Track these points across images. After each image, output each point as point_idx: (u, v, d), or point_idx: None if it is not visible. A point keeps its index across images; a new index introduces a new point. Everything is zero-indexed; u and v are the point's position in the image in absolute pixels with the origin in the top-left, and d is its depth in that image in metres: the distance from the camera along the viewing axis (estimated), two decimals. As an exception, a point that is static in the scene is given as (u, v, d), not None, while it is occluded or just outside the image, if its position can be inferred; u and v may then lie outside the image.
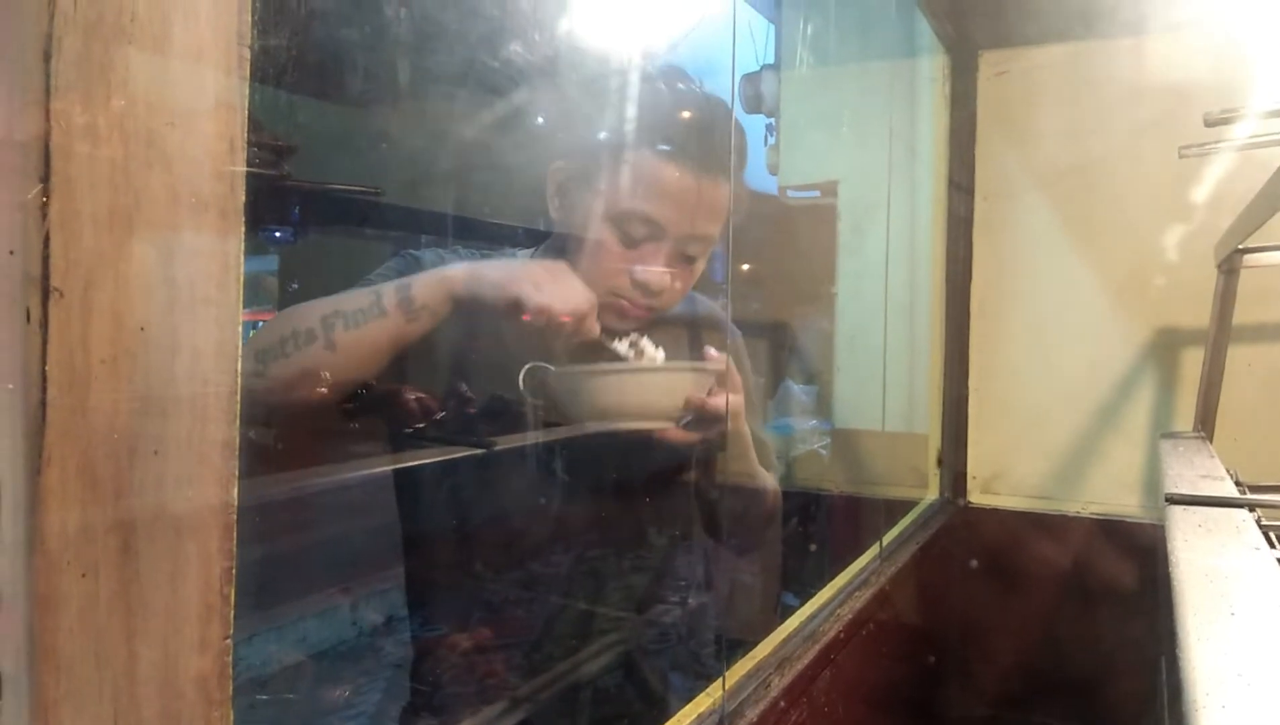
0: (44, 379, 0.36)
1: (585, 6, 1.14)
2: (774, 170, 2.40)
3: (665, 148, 1.03)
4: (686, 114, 1.10)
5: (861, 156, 2.31)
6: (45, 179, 0.35)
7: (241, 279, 0.45)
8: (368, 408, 0.95)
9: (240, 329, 0.45)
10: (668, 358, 1.10)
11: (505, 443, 1.06)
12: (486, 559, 1.15)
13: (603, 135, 1.09)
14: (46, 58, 0.36)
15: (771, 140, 2.44)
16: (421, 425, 1.02)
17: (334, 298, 0.91)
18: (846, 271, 2.29)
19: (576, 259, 1.03)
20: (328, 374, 0.87)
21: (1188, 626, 0.51)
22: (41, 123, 0.35)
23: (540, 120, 1.16)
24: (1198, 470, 1.10)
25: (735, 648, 1.18)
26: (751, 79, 2.46)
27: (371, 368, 0.91)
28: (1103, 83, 2.04)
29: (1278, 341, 1.87)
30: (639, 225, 1.02)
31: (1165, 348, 2.01)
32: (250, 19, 0.44)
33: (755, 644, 1.18)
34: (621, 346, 1.05)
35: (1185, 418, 1.88)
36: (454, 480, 1.11)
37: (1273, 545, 0.90)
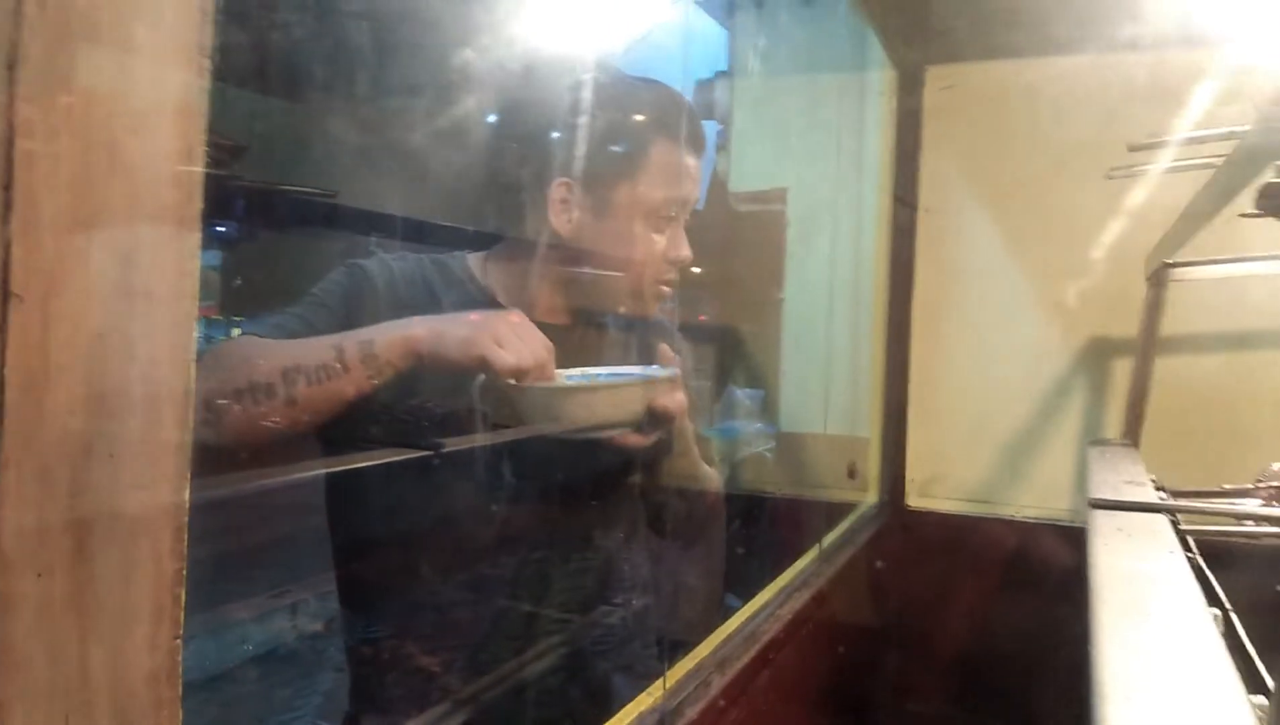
0: (2, 383, 0.36)
1: (536, 18, 1.15)
2: (724, 177, 2.43)
3: (678, 134, 1.12)
4: (671, 104, 1.17)
5: (810, 166, 2.35)
6: (7, 186, 0.36)
7: (196, 284, 0.46)
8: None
9: (194, 334, 0.46)
10: (618, 362, 1.14)
11: (455, 445, 1.07)
12: (432, 562, 1.15)
13: (604, 142, 1.12)
14: (10, 65, 0.36)
15: (722, 147, 2.47)
16: (371, 427, 1.03)
17: (290, 347, 0.91)
18: (794, 278, 2.33)
19: (613, 263, 1.11)
20: (285, 425, 0.88)
21: (1101, 625, 0.54)
22: (5, 130, 0.36)
23: (514, 128, 1.18)
24: (1122, 476, 1.15)
25: (678, 648, 1.20)
26: (704, 86, 2.49)
27: (331, 417, 0.91)
28: (1043, 99, 2.11)
29: (1203, 352, 1.95)
30: (672, 207, 1.12)
31: (1097, 358, 2.09)
32: (210, 29, 0.45)
33: (697, 644, 1.20)
34: (574, 375, 1.08)
35: (1115, 425, 1.95)
36: (402, 483, 1.11)
37: (1188, 549, 0.95)
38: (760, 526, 2.07)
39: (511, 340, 0.94)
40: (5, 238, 0.37)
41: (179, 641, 0.46)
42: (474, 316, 0.98)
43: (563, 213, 1.10)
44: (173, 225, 0.44)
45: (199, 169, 0.45)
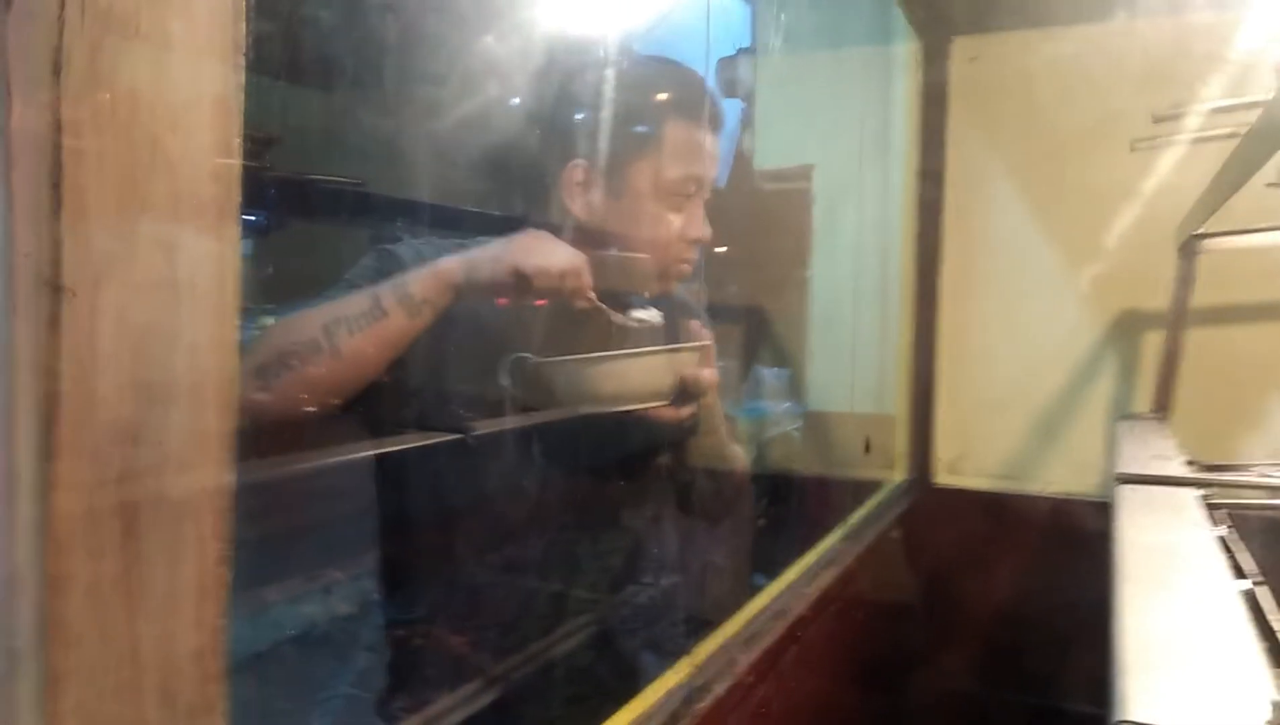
0: (56, 373, 0.38)
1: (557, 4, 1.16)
2: (749, 155, 2.43)
3: (693, 112, 1.13)
4: (690, 84, 1.18)
5: (835, 142, 2.33)
6: (57, 184, 0.38)
7: (238, 275, 0.48)
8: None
9: (236, 323, 0.48)
10: (642, 343, 1.14)
11: (486, 428, 1.09)
12: (466, 544, 1.17)
13: (617, 122, 1.13)
14: (56, 70, 0.38)
15: (747, 124, 2.46)
16: (402, 412, 1.04)
17: (329, 305, 0.92)
18: (820, 255, 2.33)
19: (632, 244, 1.11)
20: (336, 381, 0.89)
21: (1124, 598, 0.54)
22: (54, 133, 0.37)
23: (531, 113, 1.18)
24: (1151, 451, 1.15)
25: (706, 626, 1.21)
26: (727, 63, 2.48)
27: (378, 369, 0.93)
28: (1071, 69, 2.08)
29: (1235, 324, 1.93)
30: (690, 186, 1.12)
31: (1127, 331, 2.07)
32: (244, 25, 0.46)
33: (724, 622, 1.21)
34: (636, 316, 1.10)
35: (1145, 399, 1.94)
36: (434, 466, 1.13)
37: (1218, 522, 0.95)
38: (787, 505, 2.07)
39: (540, 249, 0.96)
40: (56, 234, 0.38)
41: (223, 620, 0.48)
42: (495, 241, 1.00)
43: (580, 195, 1.11)
44: (213, 218, 0.46)
45: (237, 162, 0.47)
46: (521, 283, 0.95)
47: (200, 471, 0.46)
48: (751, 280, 2.39)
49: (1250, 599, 0.72)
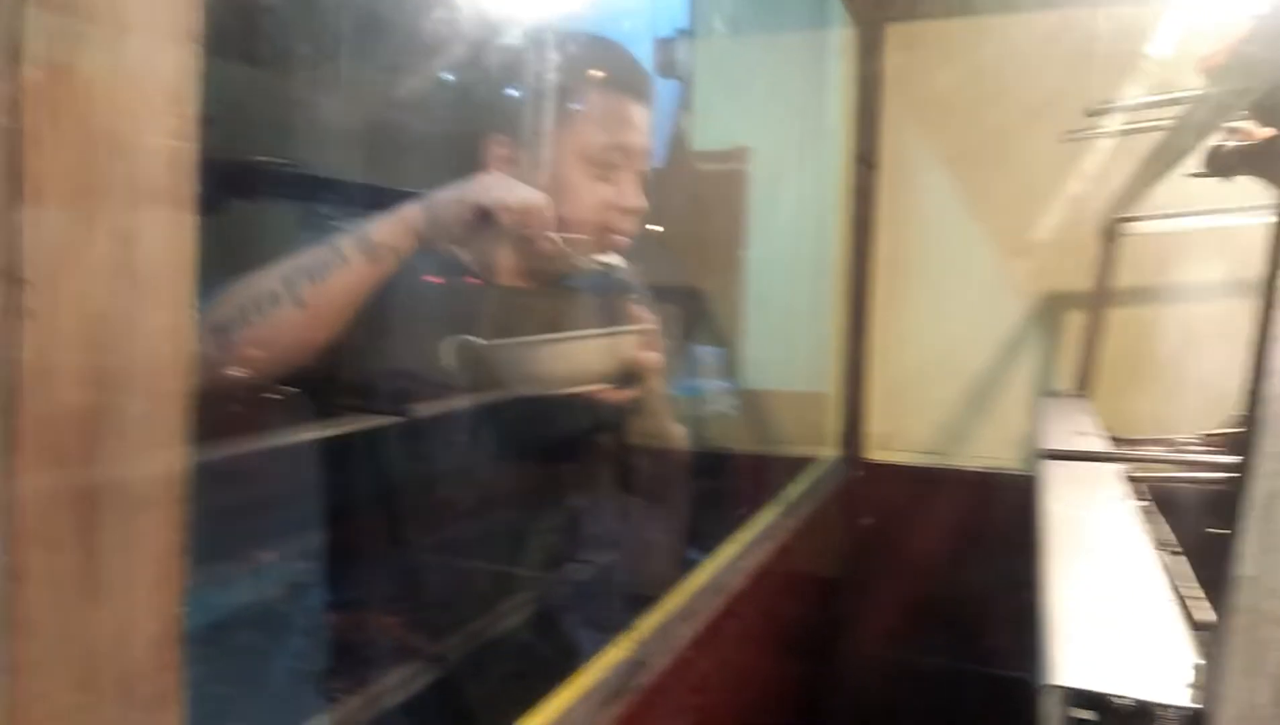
0: (19, 364, 0.38)
1: None
2: (687, 136, 2.44)
3: (616, 81, 1.13)
4: (613, 55, 1.18)
5: (772, 125, 2.36)
6: (17, 175, 0.37)
7: (193, 262, 0.48)
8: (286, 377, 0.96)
9: (192, 312, 0.47)
10: (585, 324, 1.15)
11: (426, 409, 1.08)
12: (403, 525, 1.17)
13: (540, 94, 1.12)
14: (15, 57, 0.37)
15: (685, 106, 2.47)
16: (339, 394, 1.04)
17: (289, 259, 0.90)
18: (756, 236, 2.36)
19: (562, 216, 1.07)
20: (299, 333, 0.87)
21: (1049, 568, 0.58)
22: (12, 120, 0.37)
23: (454, 84, 1.17)
24: (1073, 427, 1.20)
25: (647, 602, 1.23)
26: (665, 44, 2.48)
27: (342, 319, 0.91)
28: (1003, 56, 2.14)
29: (1152, 304, 2.01)
30: (615, 155, 1.11)
31: (1053, 312, 2.14)
32: (200, 13, 0.46)
33: (665, 599, 1.23)
34: (600, 259, 1.10)
35: (1070, 377, 2.01)
36: (372, 448, 1.13)
37: (1141, 496, 1.00)
38: (724, 481, 2.11)
39: (502, 186, 0.97)
40: (16, 224, 0.38)
41: (180, 609, 0.48)
42: (458, 184, 0.99)
43: (504, 171, 1.10)
44: (169, 205, 0.45)
45: (193, 151, 0.47)
46: (484, 220, 0.94)
47: (158, 460, 0.46)
48: (687, 258, 2.40)
49: (1167, 568, 0.77)
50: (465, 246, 1.12)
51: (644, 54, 1.73)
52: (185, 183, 0.46)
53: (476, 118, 1.13)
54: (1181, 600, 0.56)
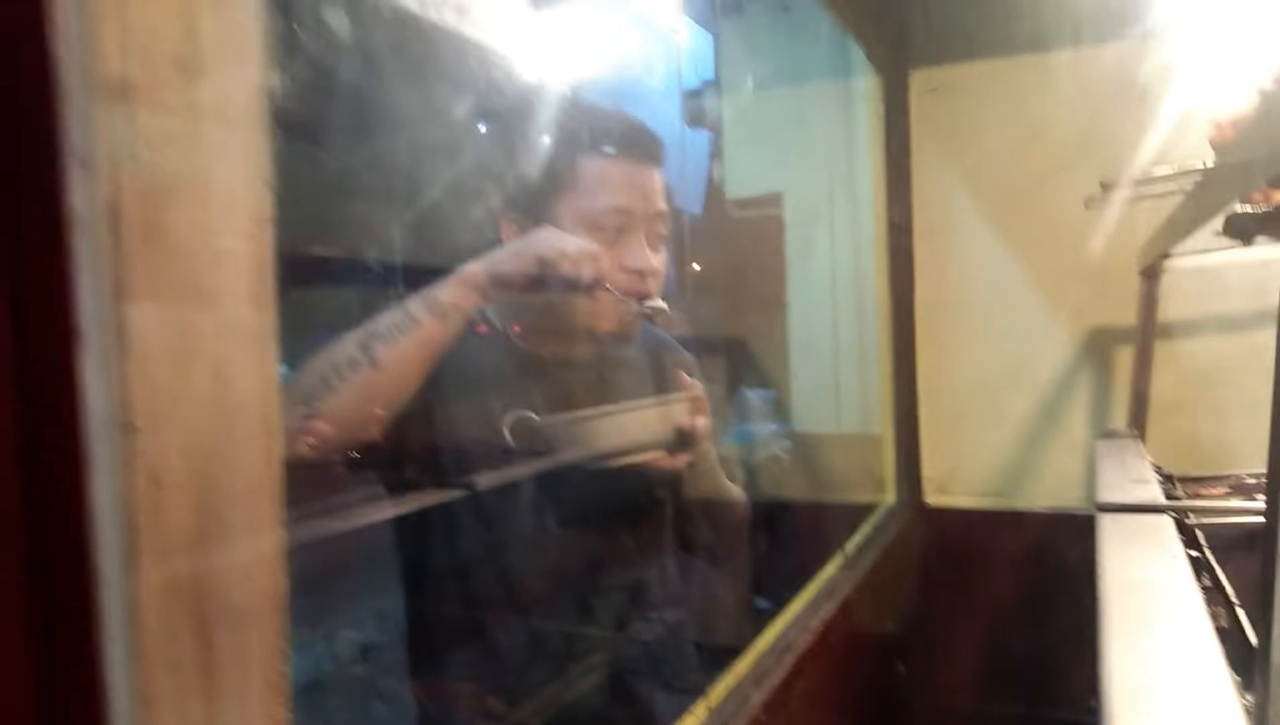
0: (134, 507, 0.41)
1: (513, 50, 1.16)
2: (719, 185, 2.48)
3: (607, 147, 1.14)
4: (608, 120, 1.20)
5: (804, 171, 2.39)
6: (121, 330, 0.41)
7: (277, 390, 0.51)
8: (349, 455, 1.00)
9: (280, 436, 0.51)
10: (633, 393, 1.19)
11: (488, 482, 1.12)
12: (471, 594, 1.20)
13: (543, 167, 1.14)
14: (114, 224, 0.42)
15: (715, 155, 2.52)
16: (404, 469, 1.07)
17: (360, 328, 0.95)
18: (796, 280, 2.38)
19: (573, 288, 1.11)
20: (377, 394, 0.92)
21: (1109, 640, 0.59)
22: (115, 280, 0.41)
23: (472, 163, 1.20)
24: (1129, 473, 1.20)
25: (717, 665, 1.24)
26: (693, 95, 2.53)
27: (416, 379, 0.95)
28: (1029, 97, 2.15)
29: (1201, 337, 1.99)
30: (613, 217, 1.11)
31: (1100, 347, 2.13)
32: (272, 172, 0.50)
33: (735, 661, 1.24)
34: (650, 305, 1.13)
35: (1122, 411, 1.99)
36: (439, 521, 1.16)
37: (1195, 544, 1.00)
38: (784, 535, 2.11)
39: (558, 238, 1.01)
40: (124, 375, 0.42)
41: (285, 710, 0.52)
42: (516, 242, 1.04)
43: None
44: (255, 341, 0.49)
45: (272, 287, 0.51)
46: (545, 271, 0.98)
47: (260, 576, 0.49)
48: (728, 304, 2.43)
49: (1230, 617, 0.77)
50: (524, 304, 1.16)
51: (671, 107, 1.77)
52: (268, 318, 0.50)
53: (488, 198, 1.17)
54: (1241, 655, 0.56)
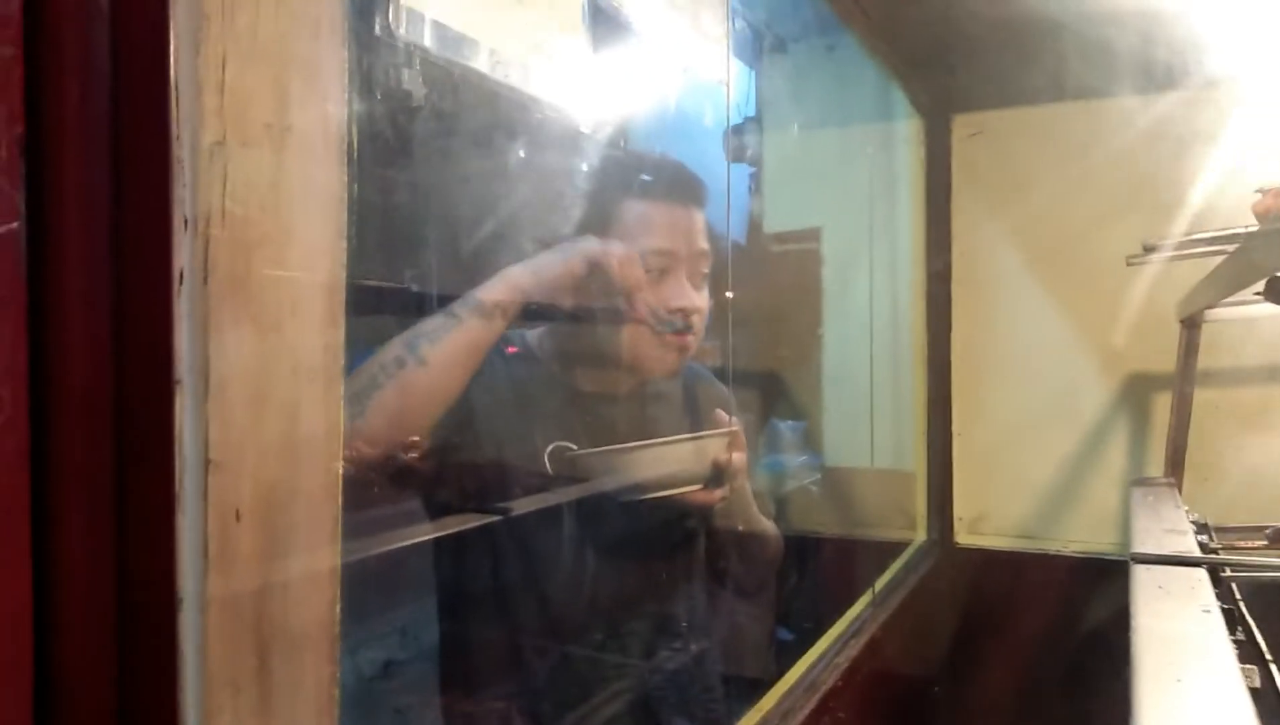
0: (205, 537, 0.45)
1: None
2: (758, 218, 2.50)
3: (652, 191, 1.19)
4: (655, 167, 1.26)
5: (843, 207, 2.41)
6: (206, 374, 0.45)
7: (341, 428, 0.55)
8: (386, 475, 1.02)
9: (340, 475, 0.54)
10: (671, 427, 1.21)
11: (523, 508, 1.14)
12: (497, 616, 1.22)
13: (592, 211, 1.18)
14: (205, 278, 0.45)
15: (754, 189, 2.55)
16: (439, 493, 1.10)
17: (407, 331, 0.98)
18: (832, 315, 2.39)
19: (618, 325, 1.16)
20: (424, 391, 0.95)
21: (1140, 695, 0.60)
22: (202, 330, 0.44)
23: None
24: (1163, 523, 1.20)
25: (746, 698, 1.25)
26: (734, 130, 2.56)
27: (462, 377, 0.98)
28: (1070, 142, 2.16)
29: (1240, 387, 1.98)
30: (659, 260, 1.15)
31: (1137, 392, 2.12)
32: (347, 217, 0.54)
33: (760, 697, 1.25)
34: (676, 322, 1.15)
35: (1158, 458, 1.98)
36: (471, 545, 1.19)
37: (1231, 597, 1.00)
38: (814, 571, 2.11)
39: (599, 245, 1.03)
40: (205, 416, 0.45)
41: (334, 729, 0.54)
42: (549, 251, 1.06)
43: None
44: (323, 383, 0.52)
45: (342, 333, 0.54)
46: (588, 273, 1.01)
47: (316, 605, 0.52)
48: (764, 336, 2.45)
49: (1264, 675, 0.78)
50: (568, 337, 1.20)
51: (714, 143, 1.80)
52: (337, 362, 0.53)
53: (541, 240, 1.21)
54: (1274, 713, 0.57)
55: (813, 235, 2.43)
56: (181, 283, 0.42)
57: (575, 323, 1.21)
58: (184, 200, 0.42)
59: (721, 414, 1.19)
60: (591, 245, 1.04)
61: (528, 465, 1.13)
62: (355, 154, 0.54)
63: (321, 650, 0.53)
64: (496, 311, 0.99)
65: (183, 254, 0.42)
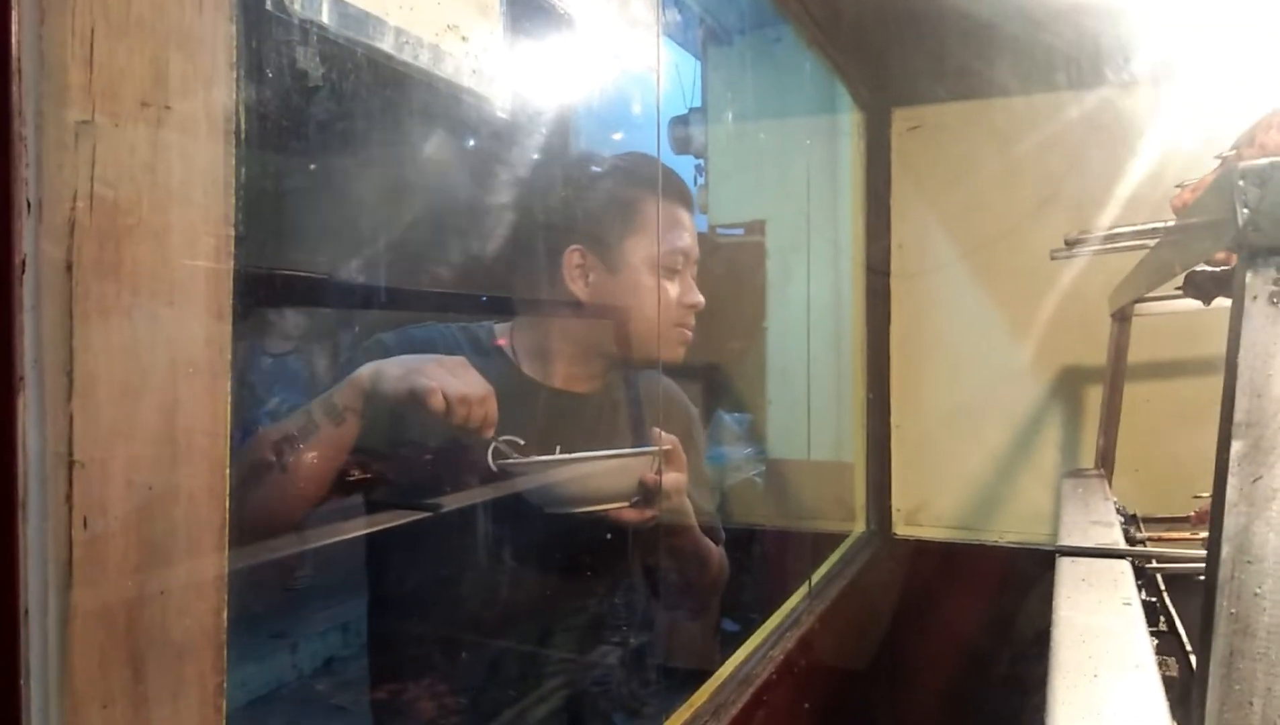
0: (70, 541, 0.42)
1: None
2: (704, 209, 2.49)
3: (671, 194, 1.24)
4: (666, 173, 1.26)
5: (786, 200, 2.41)
6: (70, 371, 0.42)
7: (228, 426, 0.52)
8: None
9: (227, 474, 0.51)
10: (619, 433, 1.20)
11: (451, 504, 1.11)
12: (427, 614, 1.20)
13: (606, 208, 1.23)
14: (69, 268, 0.42)
15: (701, 180, 2.54)
16: (369, 491, 1.07)
17: (286, 421, 0.96)
18: (776, 307, 2.39)
19: (635, 318, 1.19)
20: (292, 497, 0.92)
21: (1056, 691, 0.60)
22: (66, 321, 0.42)
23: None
24: (1091, 515, 1.21)
25: (676, 700, 1.24)
26: (680, 121, 2.55)
27: (323, 478, 0.94)
28: (1008, 137, 2.18)
29: (1169, 379, 2.02)
30: (678, 259, 1.22)
31: (1070, 386, 2.15)
32: (235, 203, 0.51)
33: (692, 695, 1.24)
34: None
35: (1090, 448, 2.01)
36: (397, 542, 1.16)
37: (1153, 589, 1.01)
38: (753, 565, 2.10)
39: (442, 374, 0.96)
40: (69, 413, 0.42)
41: (221, 742, 0.52)
42: (415, 357, 1.00)
43: (579, 277, 1.18)
44: (207, 379, 0.50)
45: (229, 326, 0.51)
46: (415, 404, 0.94)
47: (199, 614, 0.49)
48: (711, 329, 2.43)
49: (1183, 665, 0.79)
50: (549, 330, 1.23)
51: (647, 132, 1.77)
52: (223, 356, 0.51)
53: (553, 231, 1.21)
54: (1197, 699, 0.57)
55: (758, 227, 2.43)
56: (24, 271, 0.39)
57: (551, 319, 1.21)
58: (29, 182, 0.39)
59: (658, 433, 1.15)
60: (431, 379, 0.95)
61: (460, 462, 1.10)
62: (243, 136, 0.51)
63: (206, 659, 0.50)
64: (347, 414, 0.94)
65: (25, 240, 0.39)
